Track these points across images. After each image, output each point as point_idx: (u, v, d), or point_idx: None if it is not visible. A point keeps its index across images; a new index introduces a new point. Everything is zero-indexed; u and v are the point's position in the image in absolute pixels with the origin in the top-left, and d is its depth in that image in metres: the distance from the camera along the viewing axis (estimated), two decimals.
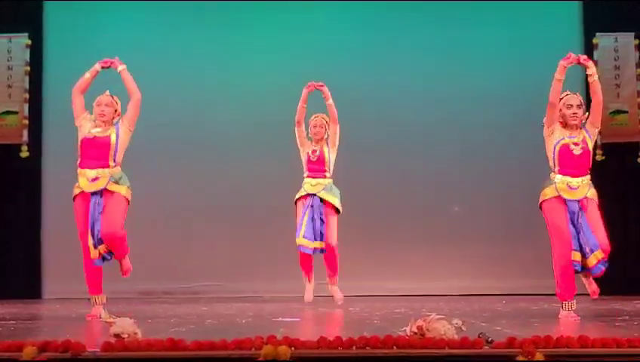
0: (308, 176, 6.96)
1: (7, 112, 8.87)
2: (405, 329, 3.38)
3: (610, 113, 8.79)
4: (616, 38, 8.95)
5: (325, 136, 7.00)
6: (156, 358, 3.13)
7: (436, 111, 9.10)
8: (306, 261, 6.90)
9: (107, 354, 3.14)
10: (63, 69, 9.02)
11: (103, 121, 5.62)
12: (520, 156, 8.98)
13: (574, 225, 5.25)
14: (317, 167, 6.93)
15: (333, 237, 6.84)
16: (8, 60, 8.91)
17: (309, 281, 6.97)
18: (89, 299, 5.73)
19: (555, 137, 5.33)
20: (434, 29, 9.22)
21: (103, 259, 5.55)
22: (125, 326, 3.49)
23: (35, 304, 7.75)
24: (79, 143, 5.63)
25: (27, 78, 8.92)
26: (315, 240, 6.80)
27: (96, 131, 5.57)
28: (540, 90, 8.74)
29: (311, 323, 5.39)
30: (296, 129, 7.00)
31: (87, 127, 5.61)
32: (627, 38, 8.94)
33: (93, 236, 5.48)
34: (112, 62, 5.76)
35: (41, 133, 9.01)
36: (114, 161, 5.58)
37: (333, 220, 6.89)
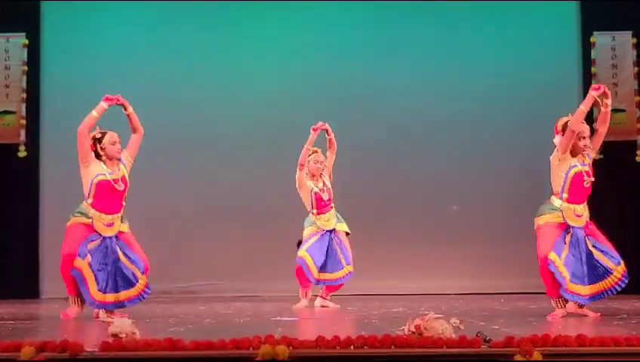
0: (318, 214, 6.80)
1: (5, 112, 8.87)
2: (403, 329, 3.38)
3: None
4: (613, 37, 8.96)
5: (322, 169, 6.92)
6: (154, 358, 3.13)
7: (435, 111, 9.10)
8: (304, 278, 6.70)
9: (105, 354, 3.14)
10: (61, 69, 9.05)
11: (113, 158, 5.60)
12: (518, 156, 8.99)
13: (580, 253, 5.26)
14: (328, 202, 6.83)
15: (350, 260, 6.80)
16: (6, 60, 8.91)
17: (306, 298, 6.77)
18: (67, 299, 5.67)
19: (568, 164, 5.29)
20: (433, 28, 9.21)
21: (104, 306, 5.44)
22: (123, 326, 3.49)
23: (33, 304, 7.74)
24: (94, 185, 5.50)
25: (25, 78, 8.91)
26: (321, 271, 6.67)
27: (110, 174, 5.53)
28: (538, 89, 8.84)
29: (309, 323, 5.39)
30: (298, 172, 6.81)
31: (96, 168, 5.53)
32: (624, 37, 8.95)
33: (106, 279, 5.40)
34: (117, 100, 5.64)
35: (38, 132, 9.00)
36: (124, 200, 5.62)
37: (347, 244, 6.88)
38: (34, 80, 8.98)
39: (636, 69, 8.90)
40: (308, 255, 6.65)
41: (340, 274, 6.71)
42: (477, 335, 3.20)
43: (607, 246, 5.37)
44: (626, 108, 8.88)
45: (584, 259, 5.26)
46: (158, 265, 8.75)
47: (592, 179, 5.31)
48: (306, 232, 6.82)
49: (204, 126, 9.07)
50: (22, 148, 8.82)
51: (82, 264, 5.38)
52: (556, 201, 5.35)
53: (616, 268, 5.30)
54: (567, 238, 5.29)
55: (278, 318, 5.38)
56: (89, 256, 5.41)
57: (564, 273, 5.21)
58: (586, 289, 5.24)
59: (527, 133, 8.73)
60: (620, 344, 3.17)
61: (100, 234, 5.48)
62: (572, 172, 5.28)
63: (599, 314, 5.38)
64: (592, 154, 5.42)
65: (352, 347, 3.16)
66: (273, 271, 8.58)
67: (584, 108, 5.24)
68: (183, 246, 8.92)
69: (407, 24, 9.22)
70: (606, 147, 8.66)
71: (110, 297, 5.41)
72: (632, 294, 7.89)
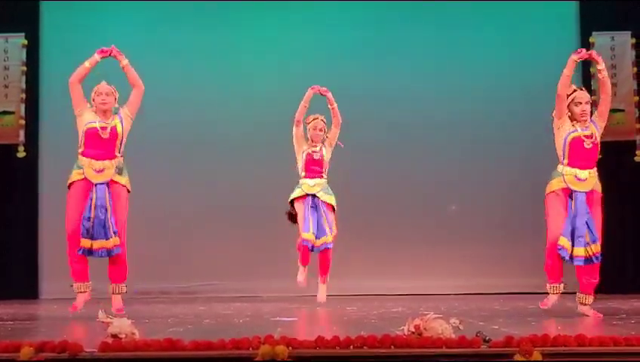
0: (305, 177, 6.98)
1: (4, 112, 8.87)
2: (403, 329, 3.38)
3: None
4: (612, 37, 8.97)
5: (323, 138, 7.01)
6: (154, 358, 3.13)
7: (435, 111, 9.09)
8: (306, 253, 6.91)
9: (104, 354, 3.14)
10: (60, 69, 8.98)
11: (104, 111, 5.64)
12: (518, 156, 9.00)
13: (575, 215, 5.31)
14: (316, 168, 6.96)
15: (334, 229, 6.92)
16: (5, 60, 8.91)
17: (304, 267, 6.96)
18: (71, 286, 5.68)
19: (566, 129, 5.39)
20: (432, 29, 9.21)
21: (90, 252, 5.51)
22: (123, 326, 3.49)
23: (33, 304, 7.74)
24: (83, 133, 5.61)
25: (24, 78, 8.91)
26: (319, 237, 6.83)
27: (99, 122, 5.59)
28: (537, 89, 8.82)
29: (308, 323, 5.39)
30: (294, 128, 7.01)
31: (88, 116, 5.62)
32: (624, 37, 8.95)
33: (87, 225, 5.46)
34: (111, 51, 5.77)
35: (37, 133, 8.99)
36: (119, 151, 5.65)
37: (332, 216, 6.97)
38: (33, 80, 8.98)
39: (635, 69, 8.91)
40: (312, 236, 6.79)
41: (325, 239, 6.81)
42: (476, 335, 3.20)
43: (595, 222, 5.37)
44: (625, 108, 8.89)
45: (579, 221, 5.30)
46: (158, 265, 8.82)
47: (595, 141, 5.36)
48: (293, 195, 6.96)
49: (203, 126, 9.07)
50: (21, 148, 8.82)
51: (87, 242, 5.46)
52: (559, 167, 5.44)
53: (592, 244, 5.32)
54: (571, 204, 5.34)
55: (278, 318, 5.38)
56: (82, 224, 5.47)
57: (570, 250, 5.28)
58: (570, 248, 5.30)
59: (527, 133, 8.74)
60: (619, 344, 3.17)
61: (92, 184, 5.52)
62: (570, 137, 5.36)
63: (601, 315, 5.39)
64: (598, 121, 5.44)
65: (351, 347, 3.16)
66: (273, 271, 8.58)
67: (566, 71, 5.37)
68: (183, 246, 8.92)
69: (406, 24, 9.22)
70: (605, 147, 8.67)
71: (86, 243, 5.46)
72: (632, 294, 7.93)
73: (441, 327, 3.28)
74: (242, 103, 9.07)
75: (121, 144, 5.65)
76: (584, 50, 5.52)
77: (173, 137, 9.01)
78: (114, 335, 3.46)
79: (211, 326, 4.85)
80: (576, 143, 5.36)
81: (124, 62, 5.79)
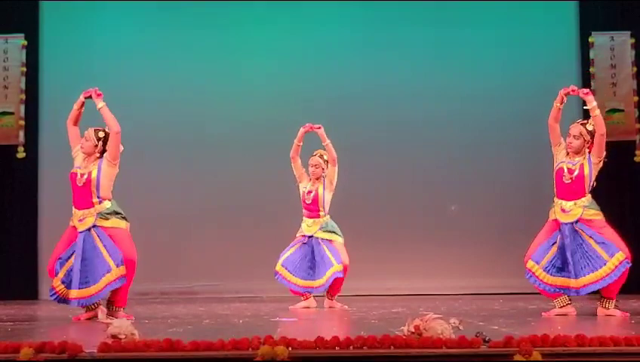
0: (305, 216, 6.85)
1: (4, 113, 8.88)
2: (403, 329, 3.38)
3: (607, 112, 8.82)
4: (612, 37, 8.98)
5: (323, 175, 6.86)
6: (153, 359, 3.13)
7: (434, 111, 9.10)
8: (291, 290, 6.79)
9: (104, 354, 3.14)
10: (60, 70, 9.05)
11: (88, 155, 5.56)
12: (517, 156, 9.00)
13: (562, 248, 5.37)
14: (312, 207, 6.81)
15: (345, 258, 6.74)
16: (4, 61, 8.92)
17: (306, 300, 6.76)
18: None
19: (558, 159, 5.49)
20: (431, 28, 9.23)
21: (59, 299, 5.45)
22: (122, 326, 3.49)
23: (32, 305, 7.74)
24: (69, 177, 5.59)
25: (23, 79, 8.92)
26: (307, 279, 6.69)
27: (80, 168, 5.53)
28: (537, 89, 8.83)
29: (308, 323, 5.39)
30: (292, 164, 6.86)
31: (77, 161, 5.58)
32: (623, 37, 8.96)
33: (59, 268, 5.43)
34: (91, 94, 5.61)
35: (37, 134, 9.00)
36: (97, 197, 5.49)
37: (339, 244, 6.80)
38: (33, 81, 8.99)
39: (635, 68, 8.91)
40: (283, 268, 6.77)
41: (323, 280, 6.63)
42: (476, 336, 3.20)
43: (606, 237, 5.36)
44: (624, 108, 8.90)
45: (570, 252, 5.33)
46: (158, 266, 8.81)
47: (573, 177, 5.37)
48: (298, 234, 6.88)
49: (201, 126, 9.08)
50: (21, 149, 8.83)
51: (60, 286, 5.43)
52: (554, 198, 5.51)
53: (610, 259, 5.28)
54: (560, 235, 5.42)
55: (277, 319, 5.38)
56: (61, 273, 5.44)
57: (541, 276, 5.45)
58: (577, 282, 5.32)
59: (526, 134, 8.74)
60: (619, 344, 3.17)
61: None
62: (556, 168, 5.47)
63: (628, 313, 5.37)
64: (593, 158, 5.45)
65: (351, 347, 3.16)
66: (272, 271, 8.57)
67: (556, 103, 5.44)
68: (182, 247, 8.93)
69: (406, 24, 9.23)
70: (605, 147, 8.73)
71: (74, 293, 5.38)
72: (632, 294, 7.91)
73: (441, 327, 3.28)
74: (242, 104, 9.08)
75: (97, 190, 5.47)
76: (574, 86, 5.50)
77: (171, 138, 9.01)
78: (114, 336, 3.46)
79: (211, 326, 4.84)
80: (558, 175, 5.46)
81: (99, 105, 5.59)
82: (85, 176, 5.48)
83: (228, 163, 9.07)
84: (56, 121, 8.63)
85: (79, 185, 5.49)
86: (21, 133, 8.84)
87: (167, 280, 8.93)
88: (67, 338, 3.24)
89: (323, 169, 6.81)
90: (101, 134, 5.57)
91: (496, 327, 4.40)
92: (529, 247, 5.57)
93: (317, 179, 6.83)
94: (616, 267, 5.26)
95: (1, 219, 8.91)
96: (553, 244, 5.44)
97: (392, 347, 3.15)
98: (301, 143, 6.83)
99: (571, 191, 5.40)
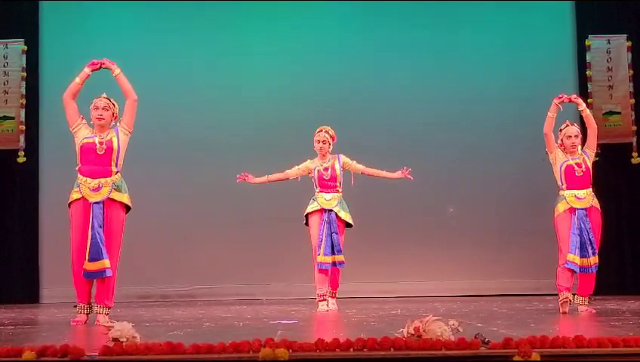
0: (321, 191, 6.84)
1: (4, 118, 8.89)
2: (402, 331, 3.39)
3: (604, 114, 8.84)
4: (608, 40, 9.00)
5: (330, 150, 6.90)
6: (154, 361, 3.14)
7: (433, 112, 9.13)
8: (324, 278, 6.74)
9: (106, 358, 3.15)
10: (60, 74, 9.01)
11: (101, 126, 5.46)
12: (515, 158, 9.02)
13: (580, 231, 5.97)
14: (330, 183, 6.83)
15: (342, 250, 6.80)
16: (5, 66, 8.93)
17: (325, 299, 6.74)
18: (75, 306, 5.53)
19: (560, 160, 6.10)
20: (429, 30, 9.25)
21: (89, 275, 5.33)
22: (124, 330, 3.50)
23: (33, 308, 7.74)
24: (78, 149, 5.45)
25: (24, 84, 8.94)
26: (332, 254, 6.71)
27: (96, 137, 5.42)
28: (534, 91, 8.85)
29: (309, 326, 5.40)
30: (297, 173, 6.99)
31: (84, 132, 5.46)
32: (619, 40, 8.98)
33: (88, 247, 5.28)
34: (102, 64, 5.59)
35: (37, 138, 9.01)
36: (116, 166, 5.44)
37: (342, 237, 6.85)
38: (33, 85, 9.00)
39: (631, 71, 8.93)
40: (326, 257, 6.69)
41: (341, 256, 6.75)
42: (475, 337, 3.21)
43: (595, 239, 6.02)
44: (621, 111, 8.91)
45: (582, 234, 5.96)
46: (158, 269, 8.82)
47: (583, 169, 6.06)
48: (309, 209, 6.84)
49: (201, 129, 9.09)
50: (21, 153, 8.84)
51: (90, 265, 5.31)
52: (560, 192, 6.09)
53: (592, 257, 5.98)
54: (575, 219, 5.99)
55: (278, 321, 5.39)
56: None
57: (578, 262, 5.93)
58: (579, 260, 5.94)
59: (524, 136, 8.75)
60: (617, 345, 3.19)
61: (87, 204, 5.34)
62: (564, 166, 6.09)
63: (594, 309, 5.89)
64: (589, 151, 6.15)
65: (351, 349, 3.17)
66: (273, 274, 8.60)
67: (550, 113, 6.06)
68: (183, 250, 8.93)
69: (405, 26, 9.26)
70: (601, 149, 8.74)
71: (89, 266, 5.30)
72: (630, 294, 7.95)
73: (440, 329, 3.29)
74: (243, 106, 9.10)
75: (117, 159, 5.42)
76: (565, 94, 6.11)
77: (171, 140, 9.03)
78: (115, 339, 3.46)
79: (212, 329, 4.85)
80: (569, 170, 6.08)
81: (117, 71, 5.59)
82: (105, 145, 5.40)
83: (228, 166, 9.05)
84: (57, 125, 8.65)
85: (100, 153, 5.39)
86: (21, 138, 8.85)
87: (168, 283, 8.94)
88: (69, 342, 3.25)
89: (330, 144, 6.87)
90: (116, 103, 5.55)
91: (496, 329, 4.41)
92: (559, 246, 6.00)
93: (325, 154, 6.86)
94: (594, 264, 5.97)
95: (1, 224, 8.92)
96: (573, 232, 5.99)
97: (392, 349, 3.16)
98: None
99: (583, 182, 6.06)
